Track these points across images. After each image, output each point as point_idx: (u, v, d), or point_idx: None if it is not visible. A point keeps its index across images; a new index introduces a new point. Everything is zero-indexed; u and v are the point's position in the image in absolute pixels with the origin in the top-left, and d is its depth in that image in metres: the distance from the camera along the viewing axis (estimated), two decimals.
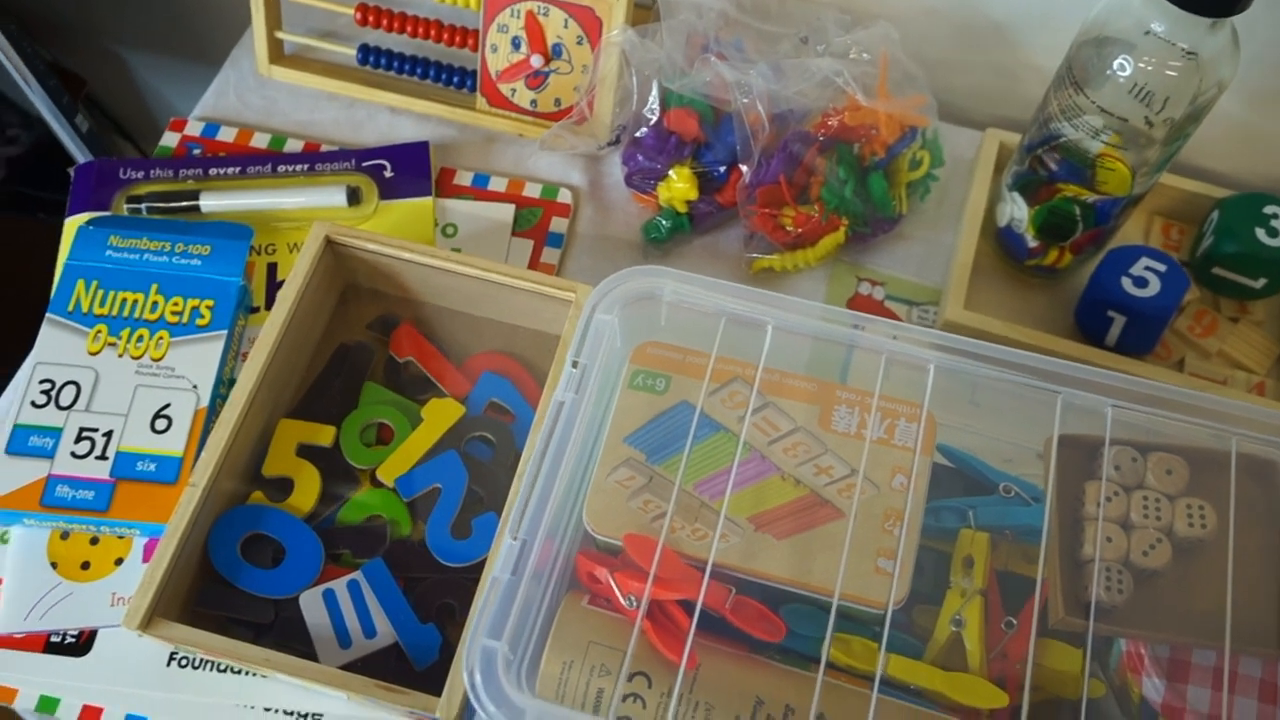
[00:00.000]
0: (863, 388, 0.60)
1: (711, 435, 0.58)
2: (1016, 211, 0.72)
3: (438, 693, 0.54)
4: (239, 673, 0.60)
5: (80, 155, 1.01)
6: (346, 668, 0.57)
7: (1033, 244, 0.73)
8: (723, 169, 0.74)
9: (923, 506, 0.56)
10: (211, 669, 0.60)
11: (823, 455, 0.57)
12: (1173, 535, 0.54)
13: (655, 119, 0.73)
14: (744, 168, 0.72)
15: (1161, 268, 0.69)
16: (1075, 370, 0.55)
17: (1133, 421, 0.56)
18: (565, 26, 0.74)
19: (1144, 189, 0.67)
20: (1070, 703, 0.55)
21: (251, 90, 0.82)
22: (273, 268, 0.72)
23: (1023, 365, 0.56)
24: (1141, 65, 0.60)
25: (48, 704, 0.59)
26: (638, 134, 0.74)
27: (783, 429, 0.58)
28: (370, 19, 0.79)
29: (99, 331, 0.65)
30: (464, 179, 0.78)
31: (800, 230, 0.73)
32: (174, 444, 0.62)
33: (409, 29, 0.79)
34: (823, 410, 0.58)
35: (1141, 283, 0.68)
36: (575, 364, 0.55)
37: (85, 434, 0.62)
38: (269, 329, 0.62)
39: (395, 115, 0.81)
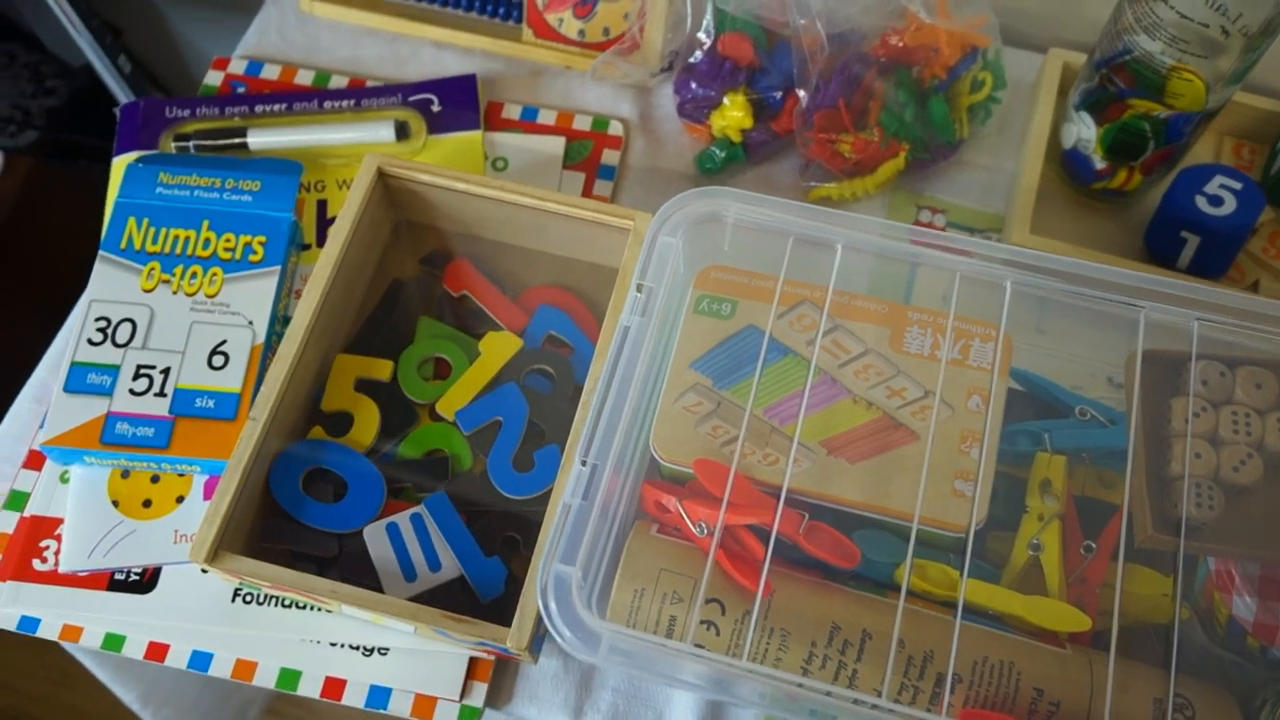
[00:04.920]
0: (931, 308, 0.58)
1: (780, 359, 0.56)
2: (1084, 131, 0.70)
3: (506, 624, 0.53)
4: (304, 608, 0.59)
5: (124, 97, 1.00)
6: (411, 601, 0.57)
7: (1100, 165, 0.70)
8: (778, 95, 0.72)
9: (999, 427, 0.54)
10: (276, 604, 0.59)
11: (895, 377, 0.55)
12: (1264, 450, 0.52)
13: (709, 44, 0.71)
14: (801, 93, 0.70)
15: (1237, 185, 0.66)
16: (1157, 284, 0.54)
17: (1218, 336, 0.54)
18: None
19: (1218, 103, 0.65)
20: (1152, 627, 0.53)
21: (293, 28, 0.81)
22: (322, 205, 0.71)
23: (1101, 280, 0.54)
24: None
25: (113, 641, 0.59)
26: (690, 60, 0.72)
27: (853, 351, 0.56)
28: None
29: (152, 269, 0.64)
30: (512, 112, 0.76)
31: (859, 157, 0.71)
32: (231, 381, 0.61)
33: None
34: (894, 332, 0.57)
35: (1217, 201, 0.66)
36: (640, 287, 0.54)
37: (143, 371, 0.61)
38: (324, 263, 0.61)
39: (440, 50, 0.80)
